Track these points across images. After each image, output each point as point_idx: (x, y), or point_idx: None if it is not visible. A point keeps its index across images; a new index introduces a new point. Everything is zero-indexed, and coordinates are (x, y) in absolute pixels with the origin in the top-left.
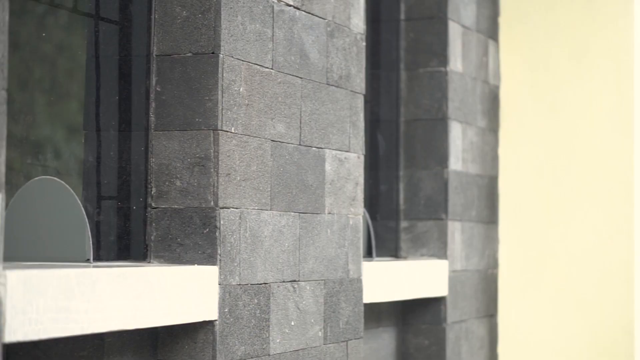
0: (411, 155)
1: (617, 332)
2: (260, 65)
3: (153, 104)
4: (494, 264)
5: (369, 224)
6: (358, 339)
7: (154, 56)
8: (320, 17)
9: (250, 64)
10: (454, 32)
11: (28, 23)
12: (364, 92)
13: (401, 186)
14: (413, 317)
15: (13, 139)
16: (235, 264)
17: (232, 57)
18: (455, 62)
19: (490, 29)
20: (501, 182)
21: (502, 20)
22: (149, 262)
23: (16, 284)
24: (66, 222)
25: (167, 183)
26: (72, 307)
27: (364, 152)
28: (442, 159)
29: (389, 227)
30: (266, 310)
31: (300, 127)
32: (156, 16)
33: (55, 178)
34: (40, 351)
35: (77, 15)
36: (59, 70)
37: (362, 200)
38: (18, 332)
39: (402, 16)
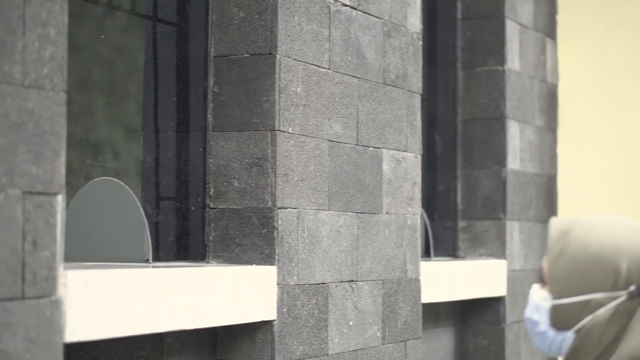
0: (469, 155)
1: None
2: (317, 66)
3: (211, 105)
4: None
5: (427, 223)
6: (416, 339)
7: (212, 57)
8: (377, 17)
9: (307, 65)
10: (511, 30)
11: (86, 25)
12: (420, 91)
13: (459, 186)
14: (472, 317)
15: (72, 140)
16: (294, 264)
17: (289, 57)
18: (513, 61)
19: (548, 27)
20: (560, 181)
21: (560, 18)
22: (208, 263)
23: (77, 284)
24: (125, 223)
25: (225, 183)
26: (131, 307)
27: (421, 152)
28: (500, 158)
29: (446, 227)
30: (324, 310)
31: (357, 127)
32: (213, 17)
33: (114, 179)
34: (101, 351)
35: (135, 17)
36: (117, 72)
37: (420, 200)
38: (79, 332)
39: (459, 15)
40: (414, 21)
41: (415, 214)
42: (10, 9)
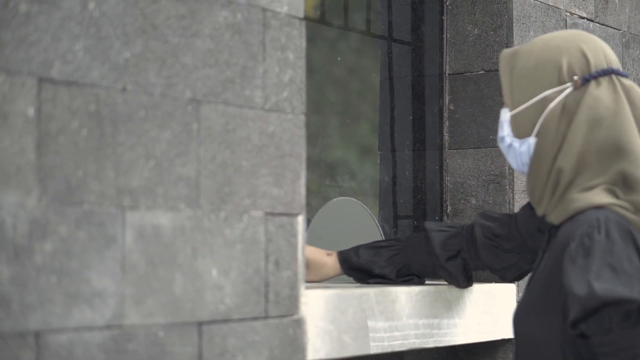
0: None
1: None
2: None
3: (446, 123)
4: None
5: None
6: None
7: (447, 75)
8: (615, 28)
9: None
10: None
11: (321, 47)
12: None
13: None
14: None
15: (310, 161)
16: None
17: None
18: None
19: None
20: None
21: None
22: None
23: (318, 304)
24: (364, 242)
25: (462, 201)
26: (371, 326)
27: None
28: None
29: None
30: None
31: None
32: (448, 35)
33: (352, 199)
34: None
35: (370, 37)
36: (352, 93)
37: None
38: (321, 350)
39: None
40: None
41: None
42: (251, 34)
